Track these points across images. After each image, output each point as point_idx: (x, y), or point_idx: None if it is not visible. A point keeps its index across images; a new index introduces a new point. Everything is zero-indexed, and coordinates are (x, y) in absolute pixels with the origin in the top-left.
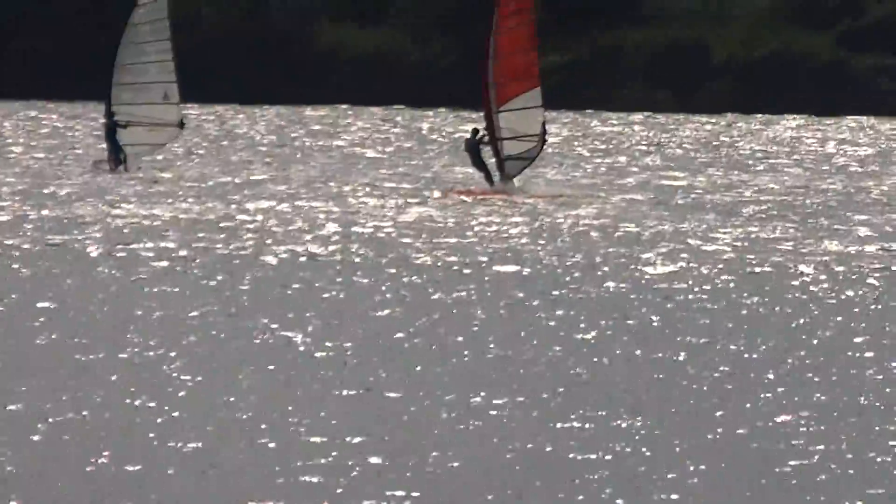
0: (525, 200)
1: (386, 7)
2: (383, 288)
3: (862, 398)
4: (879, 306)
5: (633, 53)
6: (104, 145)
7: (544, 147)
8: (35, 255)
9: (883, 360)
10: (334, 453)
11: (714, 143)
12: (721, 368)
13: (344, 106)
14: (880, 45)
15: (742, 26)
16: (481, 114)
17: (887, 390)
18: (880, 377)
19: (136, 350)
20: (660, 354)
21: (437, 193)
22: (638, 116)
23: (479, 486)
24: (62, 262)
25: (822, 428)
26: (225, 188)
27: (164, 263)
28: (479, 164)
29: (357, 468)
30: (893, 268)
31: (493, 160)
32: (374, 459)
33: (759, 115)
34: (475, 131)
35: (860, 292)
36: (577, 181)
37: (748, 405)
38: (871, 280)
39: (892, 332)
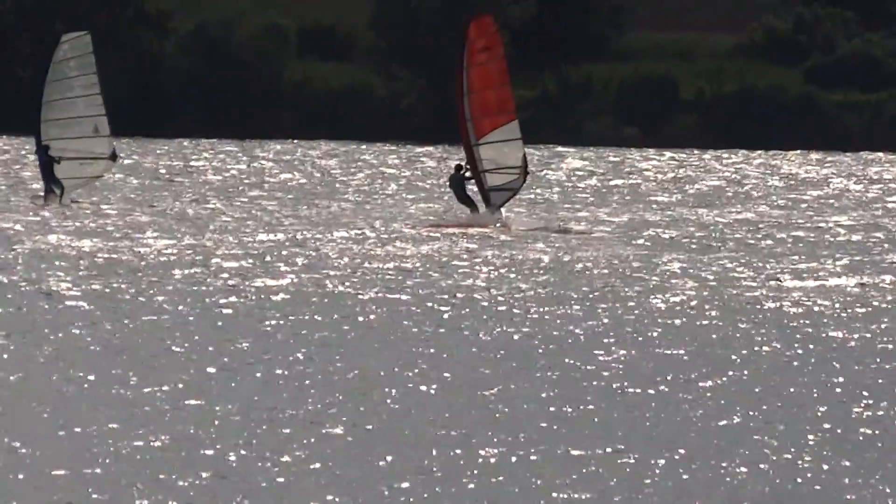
0: (524, 232)
1: (352, 43)
2: (374, 318)
3: (844, 426)
4: (861, 341)
5: (601, 89)
6: (44, 181)
7: (527, 179)
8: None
9: (865, 391)
10: (332, 483)
11: (730, 178)
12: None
13: (355, 144)
14: (848, 82)
15: (710, 62)
16: (443, 147)
17: (869, 421)
18: (863, 408)
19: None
20: (657, 384)
21: (417, 226)
22: (668, 153)
23: None
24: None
25: (808, 464)
26: (222, 223)
27: (161, 297)
28: (465, 198)
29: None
30: (875, 303)
31: (485, 194)
32: (375, 484)
33: (766, 151)
34: (458, 167)
35: (848, 327)
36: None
37: (743, 436)
38: (862, 315)
39: (874, 363)
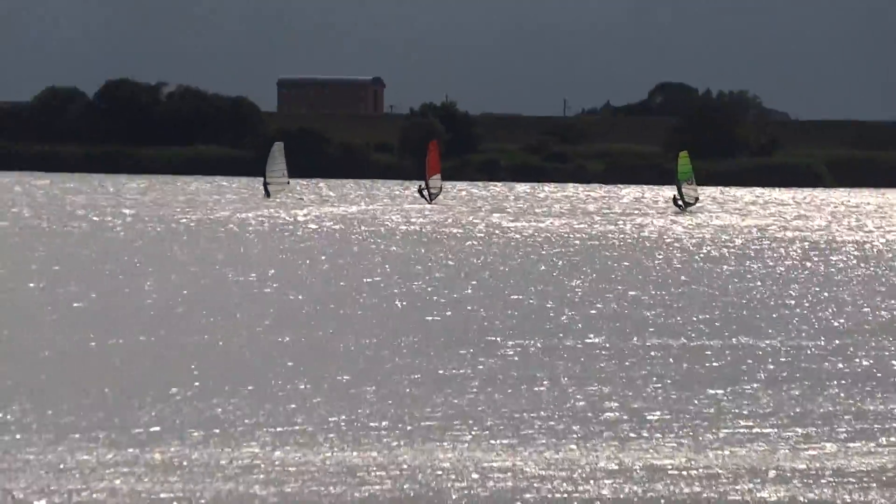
0: (450, 209)
1: (391, 148)
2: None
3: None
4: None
5: (476, 163)
6: (264, 189)
7: (441, 191)
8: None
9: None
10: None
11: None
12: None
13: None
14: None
15: (520, 150)
16: (422, 181)
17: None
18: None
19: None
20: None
21: (418, 199)
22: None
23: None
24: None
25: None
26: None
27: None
28: (423, 196)
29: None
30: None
31: (428, 194)
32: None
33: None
34: (420, 187)
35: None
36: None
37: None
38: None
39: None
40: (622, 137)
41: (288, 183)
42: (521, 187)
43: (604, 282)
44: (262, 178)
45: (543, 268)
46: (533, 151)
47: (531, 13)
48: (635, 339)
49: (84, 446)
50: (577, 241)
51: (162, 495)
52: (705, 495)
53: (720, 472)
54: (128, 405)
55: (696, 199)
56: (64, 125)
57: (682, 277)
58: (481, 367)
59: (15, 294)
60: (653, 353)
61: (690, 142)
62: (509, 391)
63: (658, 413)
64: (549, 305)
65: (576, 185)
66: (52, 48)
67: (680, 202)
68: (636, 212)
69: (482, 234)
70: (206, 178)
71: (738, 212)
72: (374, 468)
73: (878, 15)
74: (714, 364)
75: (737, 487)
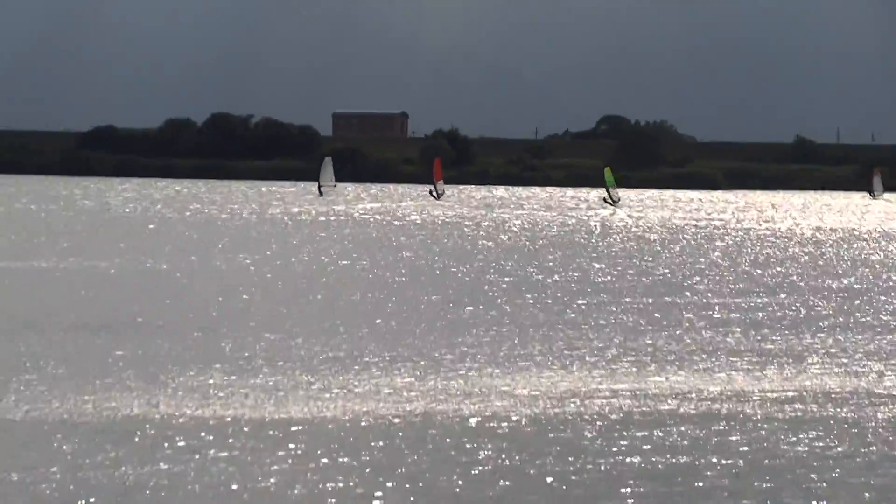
0: (451, 205)
1: (412, 161)
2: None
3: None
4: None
5: (472, 173)
6: (318, 191)
7: (445, 192)
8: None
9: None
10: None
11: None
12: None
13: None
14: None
15: (504, 163)
16: (431, 185)
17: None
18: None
19: None
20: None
21: (430, 197)
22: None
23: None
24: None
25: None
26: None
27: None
28: (432, 195)
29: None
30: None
31: (436, 194)
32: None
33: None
34: (430, 189)
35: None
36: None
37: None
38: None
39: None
40: (577, 155)
41: (335, 186)
42: (514, 189)
43: (573, 256)
44: (317, 183)
45: (528, 245)
46: (513, 164)
47: (514, 62)
48: (596, 297)
49: (208, 372)
50: (553, 227)
51: (261, 413)
52: (647, 410)
53: (657, 392)
54: (231, 343)
55: (619, 199)
56: (180, 145)
57: (630, 252)
58: (485, 317)
59: (156, 269)
60: (609, 307)
61: (626, 158)
62: (505, 334)
63: (613, 351)
64: (533, 273)
65: (545, 188)
66: (167, 87)
67: (609, 201)
68: (596, 207)
69: (485, 224)
70: (289, 183)
71: (668, 208)
72: (408, 391)
73: (766, 63)
74: (653, 315)
75: (669, 403)
